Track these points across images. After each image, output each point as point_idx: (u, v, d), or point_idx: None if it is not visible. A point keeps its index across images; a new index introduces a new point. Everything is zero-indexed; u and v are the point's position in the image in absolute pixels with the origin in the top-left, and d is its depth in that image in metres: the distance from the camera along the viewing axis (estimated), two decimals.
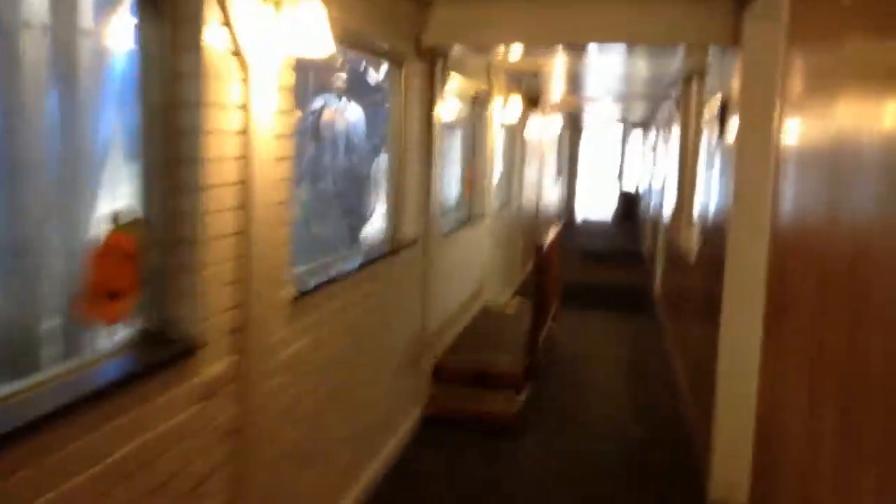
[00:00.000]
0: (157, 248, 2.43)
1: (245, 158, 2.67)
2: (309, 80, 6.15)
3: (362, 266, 4.27)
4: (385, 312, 4.63)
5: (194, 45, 2.42)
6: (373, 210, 5.93)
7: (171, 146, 2.43)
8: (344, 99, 6.07)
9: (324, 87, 6.02)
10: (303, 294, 3.35)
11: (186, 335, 2.48)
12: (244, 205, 2.68)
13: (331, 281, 3.74)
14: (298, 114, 5.91)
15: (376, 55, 4.43)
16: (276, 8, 2.77)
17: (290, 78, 3.00)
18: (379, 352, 4.55)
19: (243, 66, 2.63)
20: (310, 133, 5.98)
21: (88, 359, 2.22)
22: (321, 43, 2.82)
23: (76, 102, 2.30)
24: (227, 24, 2.52)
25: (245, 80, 2.65)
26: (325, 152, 6.07)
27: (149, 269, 2.40)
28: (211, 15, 2.44)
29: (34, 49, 2.18)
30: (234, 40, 2.57)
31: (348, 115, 6.07)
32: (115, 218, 2.19)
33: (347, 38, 3.86)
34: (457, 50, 5.41)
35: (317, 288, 3.56)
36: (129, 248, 2.24)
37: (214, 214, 2.52)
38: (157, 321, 2.46)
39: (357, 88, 6.10)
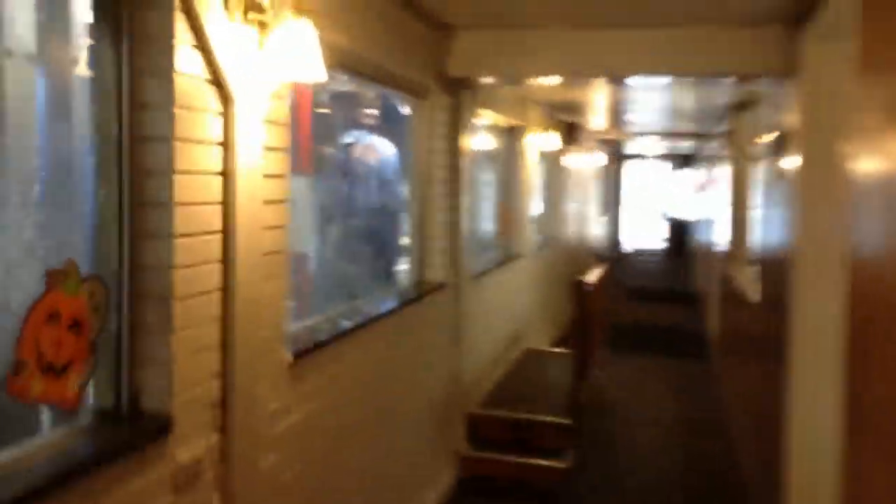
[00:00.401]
0: (117, 310, 2.06)
1: (226, 202, 2.30)
2: (338, 114, 5.88)
3: (384, 314, 3.88)
4: (411, 365, 4.21)
5: (160, 71, 2.07)
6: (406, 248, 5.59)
7: (133, 188, 2.08)
8: (375, 134, 5.76)
9: (354, 122, 5.74)
10: (308, 352, 2.96)
11: (154, 412, 2.10)
12: (226, 256, 2.31)
13: (343, 334, 3.35)
14: (330, 150, 5.64)
15: (394, 87, 4.08)
16: (262, 31, 2.42)
17: (282, 109, 2.64)
18: (404, 410, 4.12)
19: (223, 95, 2.28)
20: (340, 169, 5.69)
21: (29, 447, 1.84)
22: (312, 68, 2.45)
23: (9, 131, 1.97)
24: (201, 47, 2.18)
25: (226, 113, 2.30)
26: (357, 189, 5.77)
27: (106, 335, 2.03)
28: (180, 36, 2.10)
29: None
30: (212, 66, 2.22)
31: (380, 149, 5.75)
32: (55, 275, 1.82)
33: (359, 69, 3.52)
34: (486, 81, 5.03)
35: (326, 343, 3.17)
36: (73, 312, 1.87)
37: (188, 268, 2.15)
38: (118, 397, 2.08)
39: (390, 122, 5.80)
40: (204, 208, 2.21)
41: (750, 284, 5.74)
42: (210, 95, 2.23)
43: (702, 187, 13.73)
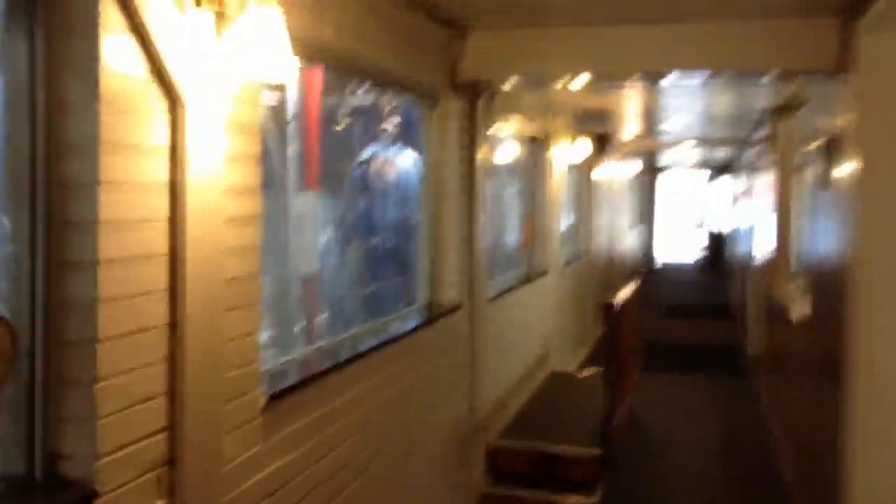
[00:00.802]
0: (29, 356, 1.69)
1: (175, 221, 1.93)
2: (356, 128, 5.55)
3: (392, 339, 3.50)
4: (423, 395, 3.81)
5: (82, 65, 1.71)
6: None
7: (50, 206, 1.71)
8: (395, 147, 5.40)
9: (374, 136, 5.40)
10: (292, 389, 2.59)
11: (76, 479, 1.72)
12: (174, 285, 1.93)
13: (340, 365, 2.97)
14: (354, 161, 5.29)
15: (395, 90, 3.70)
16: (221, 19, 2.05)
17: (251, 113, 2.27)
18: (415, 446, 3.72)
19: (170, 94, 1.91)
20: (359, 185, 5.34)
21: None
22: (281, 64, 2.08)
23: None
24: (139, 37, 1.81)
25: (174, 115, 1.93)
26: (374, 205, 5.42)
27: (15, 388, 1.66)
28: (110, 24, 1.73)
29: None
30: (154, 60, 1.86)
31: (400, 163, 5.38)
32: None
33: (346, 67, 3.15)
34: (505, 85, 4.62)
35: (317, 378, 2.79)
36: None
37: (119, 301, 1.77)
38: (31, 462, 1.71)
39: (412, 135, 5.44)
40: (141, 227, 1.84)
41: (795, 298, 5.27)
42: (151, 94, 1.87)
43: (739, 197, 13.18)
